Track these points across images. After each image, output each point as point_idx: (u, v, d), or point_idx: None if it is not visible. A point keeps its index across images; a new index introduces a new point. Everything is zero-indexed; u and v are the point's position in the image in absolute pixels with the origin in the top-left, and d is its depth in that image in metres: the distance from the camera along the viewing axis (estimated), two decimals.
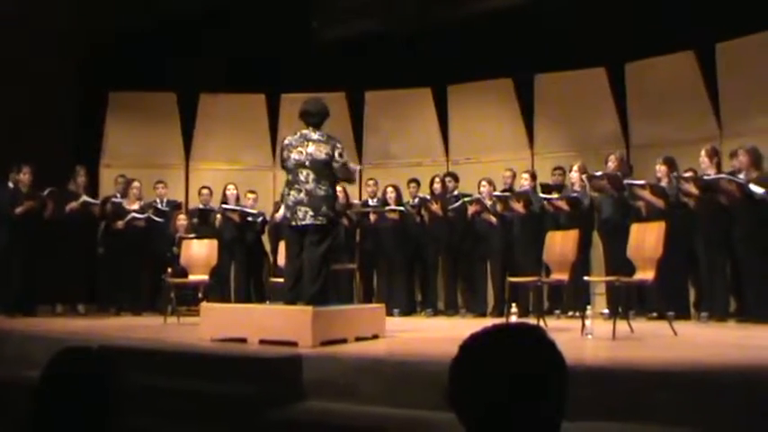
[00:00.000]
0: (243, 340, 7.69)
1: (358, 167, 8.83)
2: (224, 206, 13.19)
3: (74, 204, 12.63)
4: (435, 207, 12.73)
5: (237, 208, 13.24)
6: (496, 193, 12.36)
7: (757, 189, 8.43)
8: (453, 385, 1.90)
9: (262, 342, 7.54)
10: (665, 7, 12.19)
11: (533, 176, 12.54)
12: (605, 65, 13.74)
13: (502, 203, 12.22)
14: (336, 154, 8.14)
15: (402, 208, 13.01)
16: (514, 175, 12.94)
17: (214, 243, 11.96)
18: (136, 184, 13.32)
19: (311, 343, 7.27)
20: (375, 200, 13.45)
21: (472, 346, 1.91)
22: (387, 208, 13.04)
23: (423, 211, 12.97)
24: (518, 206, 12.08)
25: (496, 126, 14.66)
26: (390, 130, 15.29)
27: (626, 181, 11.16)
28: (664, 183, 10.98)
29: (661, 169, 11.07)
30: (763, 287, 10.10)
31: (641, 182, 11.12)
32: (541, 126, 14.42)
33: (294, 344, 7.26)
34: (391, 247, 13.05)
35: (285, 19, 13.44)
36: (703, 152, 10.80)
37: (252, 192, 13.63)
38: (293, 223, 8.15)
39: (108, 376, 2.52)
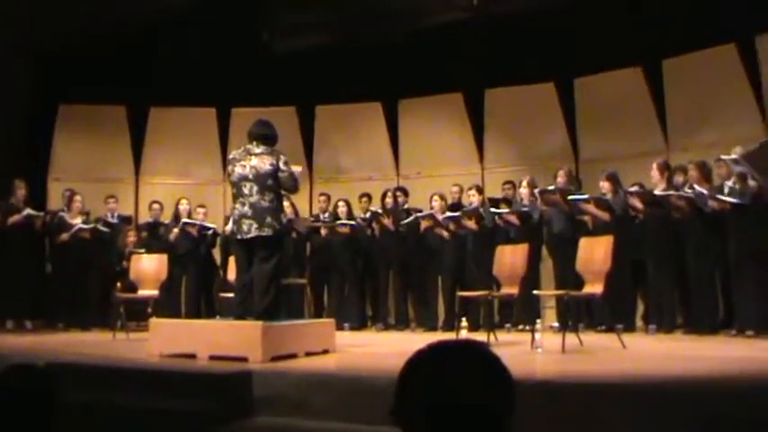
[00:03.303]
0: (192, 356, 7.64)
1: (300, 168, 8.78)
2: (184, 220, 13.10)
3: (17, 217, 12.47)
4: (387, 221, 12.73)
5: (197, 222, 13.17)
6: (449, 213, 12.36)
7: None
8: (398, 402, 1.90)
9: (211, 358, 7.50)
10: (613, 24, 12.32)
11: (480, 191, 12.57)
12: (555, 80, 13.86)
13: (454, 223, 12.23)
14: (281, 164, 8.16)
15: (353, 222, 13.00)
16: (462, 191, 12.99)
17: (164, 258, 11.87)
18: (78, 197, 13.16)
19: (261, 358, 7.24)
20: (326, 214, 13.42)
21: (417, 362, 1.91)
22: (338, 222, 13.02)
23: (374, 226, 12.97)
24: (470, 224, 12.11)
25: (447, 140, 14.71)
26: (341, 145, 15.29)
27: (570, 196, 11.24)
28: (609, 197, 11.05)
29: (605, 185, 11.16)
30: (710, 299, 10.23)
31: (585, 196, 11.21)
32: (491, 140, 14.50)
33: (244, 359, 7.23)
34: (342, 261, 13.03)
35: (236, 32, 13.39)
36: (654, 166, 10.90)
37: (202, 206, 13.55)
38: (239, 236, 8.15)
39: (53, 393, 2.49)
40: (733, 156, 9.16)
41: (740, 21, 11.62)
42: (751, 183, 9.37)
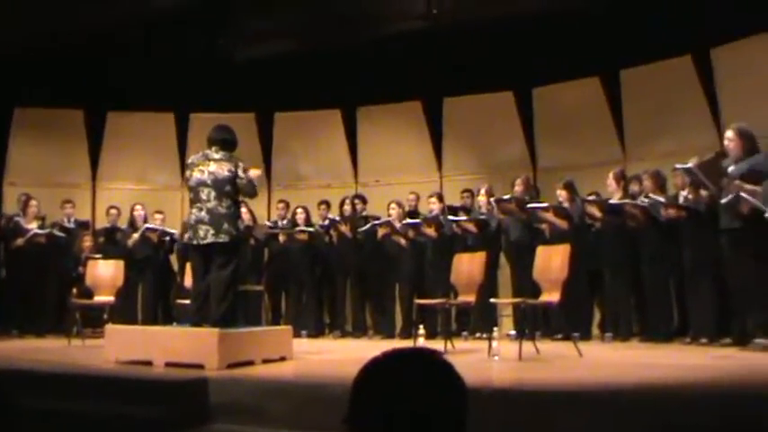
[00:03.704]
0: (148, 363, 7.59)
1: (259, 171, 8.77)
2: (147, 226, 13.02)
3: None
4: (345, 229, 12.72)
5: (158, 228, 13.09)
6: (408, 220, 12.38)
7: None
8: (353, 410, 1.90)
9: (167, 364, 7.45)
10: (571, 34, 12.41)
11: (440, 199, 12.60)
12: (513, 89, 13.94)
13: (413, 230, 12.25)
14: (240, 171, 8.14)
15: (311, 229, 12.98)
16: (418, 198, 13.03)
17: (121, 263, 11.79)
18: (34, 202, 13.03)
19: (217, 365, 7.22)
20: (284, 221, 13.39)
21: (371, 370, 1.92)
22: (296, 229, 13.00)
23: (332, 233, 12.95)
24: (430, 231, 12.13)
25: (405, 148, 14.75)
26: (300, 152, 15.28)
27: (529, 204, 11.29)
28: (566, 206, 11.13)
29: (562, 194, 11.23)
30: (665, 307, 10.33)
31: (544, 204, 11.27)
32: (450, 149, 14.55)
33: (200, 366, 7.20)
34: (300, 268, 13.00)
35: (196, 38, 13.34)
36: (611, 175, 10.98)
37: (159, 212, 13.48)
38: (195, 242, 8.11)
39: (6, 400, 2.47)
40: (687, 165, 9.25)
41: (696, 33, 11.77)
42: (703, 192, 9.46)
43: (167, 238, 13.19)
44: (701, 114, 12.06)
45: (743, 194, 8.45)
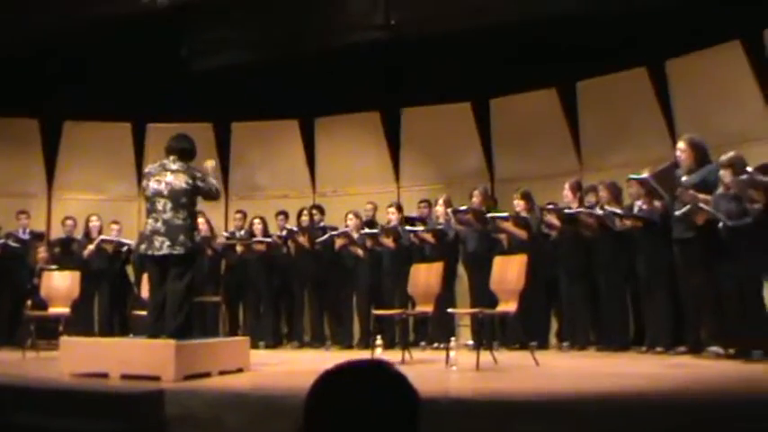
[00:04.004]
0: (104, 375, 7.53)
1: (213, 163, 8.78)
2: (102, 237, 12.92)
3: None
4: (302, 239, 12.70)
5: (114, 239, 12.99)
6: (366, 230, 12.39)
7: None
8: (306, 423, 1.90)
9: (123, 377, 7.40)
10: (529, 46, 12.49)
11: (399, 209, 12.63)
12: (471, 100, 14.00)
13: (371, 239, 12.26)
14: (199, 182, 8.13)
15: (269, 239, 12.94)
16: (376, 208, 13.05)
17: (76, 275, 11.69)
18: None
19: (174, 377, 7.18)
20: (242, 232, 13.34)
21: (324, 384, 1.92)
22: (253, 239, 12.96)
23: (290, 244, 12.92)
24: (388, 241, 12.14)
25: (363, 159, 14.76)
26: (257, 162, 15.24)
27: (489, 214, 11.33)
28: (524, 215, 11.19)
29: (520, 204, 11.29)
30: (621, 316, 10.41)
31: (504, 214, 11.31)
32: (408, 159, 14.58)
33: (156, 378, 7.15)
34: (258, 279, 12.96)
35: (153, 47, 13.26)
36: (567, 186, 11.06)
37: (116, 222, 13.38)
38: (150, 252, 8.07)
39: None
40: (642, 175, 9.35)
41: (650, 46, 11.92)
42: (656, 203, 9.55)
43: (124, 249, 13.10)
44: (657, 126, 12.19)
45: (701, 204, 8.55)
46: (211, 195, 8.39)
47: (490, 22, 12.36)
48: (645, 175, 9.29)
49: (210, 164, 8.60)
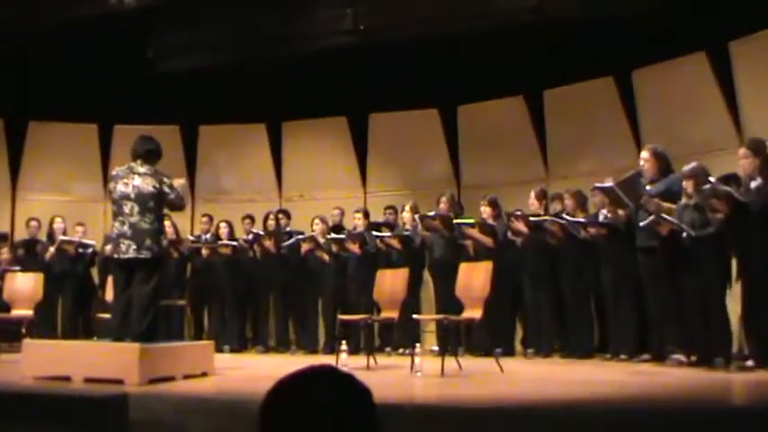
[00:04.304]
0: (67, 378, 7.47)
1: (183, 181, 8.77)
2: (62, 238, 12.81)
3: None
4: (268, 243, 12.67)
5: (75, 240, 12.89)
6: (332, 235, 12.39)
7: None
8: (262, 430, 1.90)
9: (87, 380, 7.34)
10: (496, 53, 12.54)
11: (366, 215, 12.63)
12: (438, 106, 14.04)
13: (337, 245, 12.26)
14: (166, 187, 8.10)
15: (235, 243, 12.90)
16: (343, 213, 13.05)
17: (40, 277, 11.61)
18: None
19: (138, 381, 7.13)
20: (208, 235, 13.29)
21: (278, 392, 1.91)
22: (219, 243, 12.91)
23: (255, 248, 12.88)
24: (354, 247, 12.14)
25: (330, 164, 14.76)
26: (224, 166, 15.19)
27: (456, 220, 11.36)
28: (490, 222, 11.23)
29: (486, 210, 11.33)
30: (585, 323, 10.47)
31: (470, 221, 11.34)
32: (374, 165, 14.59)
33: (120, 382, 7.10)
34: (223, 283, 12.91)
35: (120, 48, 13.19)
36: (533, 194, 11.13)
37: (81, 224, 13.28)
38: (116, 256, 8.04)
39: None
40: (606, 184, 9.41)
41: (618, 56, 12.00)
42: (620, 212, 9.61)
43: (89, 251, 13.01)
44: (622, 135, 12.28)
45: (664, 216, 8.61)
46: (176, 206, 8.39)
47: (459, 29, 12.41)
48: (610, 183, 9.35)
49: (181, 183, 8.58)
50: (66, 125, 14.74)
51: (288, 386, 1.91)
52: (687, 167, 8.72)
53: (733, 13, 10.66)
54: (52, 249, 12.75)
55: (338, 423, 1.85)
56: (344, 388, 1.92)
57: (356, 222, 12.51)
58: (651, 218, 8.71)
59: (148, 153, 8.24)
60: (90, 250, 13.03)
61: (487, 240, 11.06)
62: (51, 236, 13.01)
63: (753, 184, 8.08)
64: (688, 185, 8.58)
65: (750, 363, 8.11)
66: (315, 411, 1.85)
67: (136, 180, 8.05)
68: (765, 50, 10.75)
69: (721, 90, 11.28)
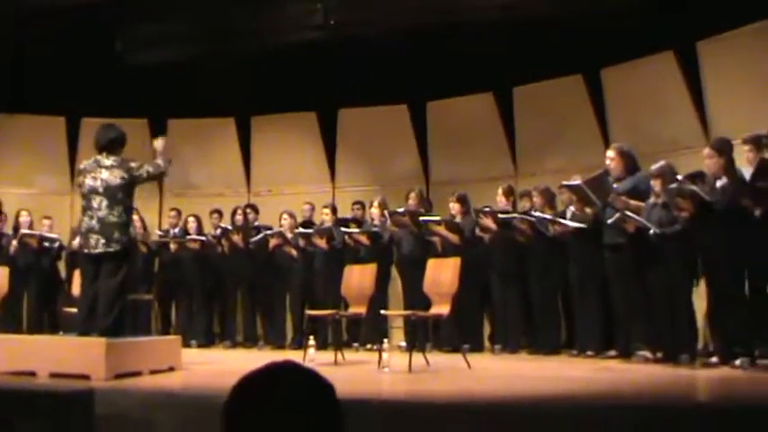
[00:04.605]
0: (32, 373, 7.41)
1: (162, 141, 8.70)
2: (23, 231, 12.71)
3: None
4: (236, 238, 12.63)
5: (36, 233, 12.79)
6: (300, 230, 12.38)
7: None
8: (226, 427, 1.90)
9: (52, 375, 7.28)
10: (466, 50, 12.56)
11: (334, 210, 12.62)
12: (407, 102, 14.04)
13: (304, 239, 12.25)
14: (135, 172, 8.10)
15: (203, 238, 12.86)
16: (313, 209, 13.03)
17: (4, 271, 11.51)
18: None
19: (104, 376, 7.09)
20: (176, 229, 13.24)
21: (242, 388, 1.91)
22: (188, 238, 12.86)
23: (223, 242, 12.84)
24: (321, 242, 12.13)
25: (299, 159, 14.73)
26: (192, 160, 15.09)
27: (421, 217, 11.37)
28: (458, 219, 11.25)
29: (455, 207, 11.36)
30: (552, 320, 10.53)
31: (436, 218, 11.36)
32: (343, 160, 14.58)
33: (87, 377, 7.05)
34: (191, 277, 12.86)
35: (89, 41, 13.09)
36: (500, 190, 11.16)
37: (47, 218, 13.18)
38: (86, 251, 8.00)
39: None
40: (574, 182, 9.47)
41: (587, 54, 12.07)
42: (588, 210, 9.67)
43: (55, 245, 12.92)
44: (591, 133, 12.35)
45: (629, 213, 8.68)
46: (156, 176, 8.45)
47: (429, 25, 12.43)
48: (577, 181, 9.41)
49: (160, 143, 8.54)
50: (33, 117, 14.60)
51: (251, 382, 1.91)
52: (655, 166, 8.79)
53: (700, 14, 10.76)
54: (14, 242, 12.65)
55: (301, 419, 1.85)
56: (307, 384, 1.92)
57: (324, 218, 12.50)
58: (617, 215, 8.78)
59: (111, 143, 8.21)
60: (56, 244, 12.94)
61: (453, 237, 11.08)
62: (17, 229, 12.90)
63: (718, 184, 8.15)
64: (656, 184, 8.65)
65: (714, 359, 8.20)
66: (278, 407, 1.85)
67: (103, 173, 8.01)
68: (732, 51, 10.84)
69: (688, 89, 11.36)
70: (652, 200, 8.70)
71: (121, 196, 8.03)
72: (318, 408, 1.89)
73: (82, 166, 8.32)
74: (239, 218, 13.02)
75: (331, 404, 1.92)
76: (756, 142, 7.99)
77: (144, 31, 13.47)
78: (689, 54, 11.32)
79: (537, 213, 10.50)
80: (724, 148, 8.25)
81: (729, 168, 8.13)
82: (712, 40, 11.06)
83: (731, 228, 7.96)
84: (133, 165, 8.14)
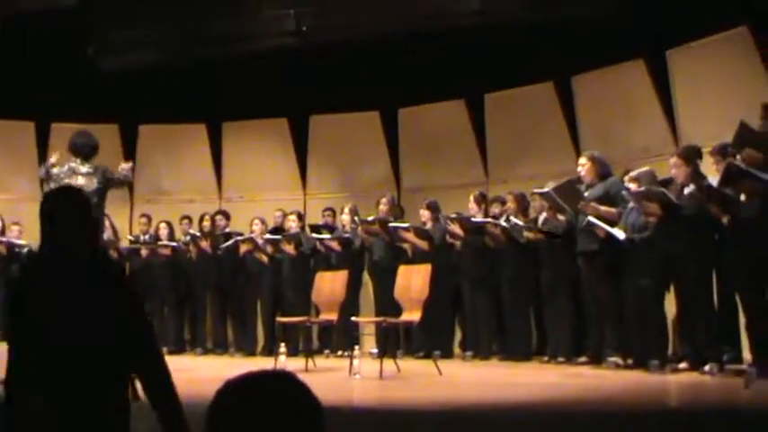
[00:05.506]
0: (2, 382, 7.33)
1: (129, 165, 8.79)
2: None
3: None
4: (205, 244, 12.59)
5: (4, 239, 12.69)
6: (268, 236, 12.36)
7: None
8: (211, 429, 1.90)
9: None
10: (438, 57, 12.59)
11: (300, 217, 12.61)
12: (379, 109, 14.04)
13: (273, 246, 12.23)
14: (108, 174, 8.12)
15: (174, 244, 12.81)
16: (284, 215, 13.00)
17: None
18: None
19: None
20: (147, 236, 13.18)
21: (226, 394, 1.91)
22: (158, 243, 12.82)
23: (191, 248, 12.79)
24: (289, 248, 12.12)
25: (270, 165, 14.68)
26: (163, 166, 15.02)
27: (390, 224, 11.38)
28: (429, 226, 11.27)
29: (425, 214, 11.38)
30: (523, 326, 10.55)
31: (405, 225, 11.38)
32: (315, 167, 14.55)
33: None
34: (162, 284, 12.81)
35: (60, 45, 13.00)
36: (472, 198, 11.17)
37: (16, 224, 13.07)
38: None
39: None
40: (544, 190, 9.52)
41: (558, 61, 12.12)
42: (560, 217, 9.72)
43: (25, 251, 12.81)
44: (562, 140, 12.39)
45: (593, 220, 8.74)
46: (123, 183, 8.52)
47: (401, 32, 12.44)
48: (547, 189, 9.46)
49: (126, 167, 8.57)
50: (2, 122, 14.48)
51: (238, 388, 1.91)
52: (635, 171, 8.88)
53: (670, 23, 10.84)
54: None
55: (284, 430, 1.85)
56: (300, 398, 1.92)
57: (291, 224, 12.47)
58: (585, 221, 8.84)
59: (90, 148, 8.21)
60: (26, 249, 12.84)
61: (422, 243, 11.09)
62: None
63: (686, 191, 8.21)
64: (633, 188, 8.70)
65: (684, 365, 8.24)
66: (264, 416, 1.85)
67: (80, 180, 8.01)
68: (701, 59, 10.93)
69: (658, 97, 11.43)
70: (630, 205, 8.75)
71: (96, 201, 8.02)
72: (303, 421, 1.89)
73: (55, 172, 8.27)
74: (206, 224, 12.98)
75: (316, 417, 1.92)
76: (722, 152, 8.05)
77: (116, 37, 13.38)
78: (659, 62, 11.39)
79: (512, 219, 10.51)
80: (691, 156, 8.32)
81: (696, 176, 8.19)
82: (682, 49, 11.14)
83: (699, 234, 8.02)
84: (107, 170, 8.16)
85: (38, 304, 3.09)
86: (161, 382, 3.26)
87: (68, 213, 3.25)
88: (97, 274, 3.17)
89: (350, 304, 10.71)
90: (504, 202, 10.97)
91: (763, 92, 9.44)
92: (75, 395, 2.91)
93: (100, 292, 3.11)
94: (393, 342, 10.56)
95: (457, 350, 11.35)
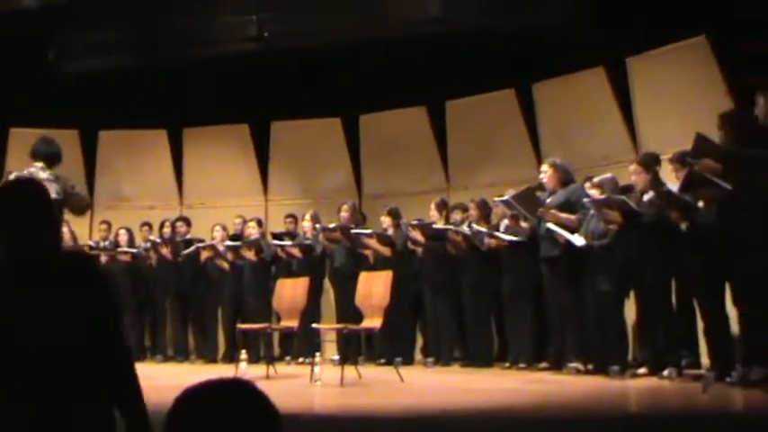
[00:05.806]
0: None
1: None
2: None
3: None
4: (166, 251, 12.53)
5: None
6: (228, 242, 12.32)
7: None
8: None
9: None
10: (399, 63, 12.61)
11: (260, 224, 12.57)
12: (340, 115, 14.03)
13: (233, 252, 12.20)
14: (69, 189, 8.01)
15: (134, 250, 12.74)
16: (245, 222, 12.95)
17: None
18: None
19: None
20: (107, 242, 13.09)
21: (184, 403, 1.90)
22: (118, 250, 12.73)
23: (151, 255, 12.72)
24: (249, 254, 12.08)
25: (232, 171, 14.62)
26: (124, 172, 14.90)
27: (353, 230, 11.39)
28: (390, 232, 11.29)
29: (386, 220, 11.40)
30: (485, 332, 10.58)
31: (368, 231, 11.39)
32: (276, 173, 14.50)
33: None
34: (122, 290, 12.71)
35: (20, 48, 12.88)
36: (433, 205, 11.20)
37: None
38: None
39: None
40: (504, 198, 9.57)
41: (519, 69, 12.18)
42: (523, 224, 9.77)
43: None
44: (523, 147, 12.43)
45: (552, 227, 8.81)
46: (81, 208, 8.34)
47: (362, 38, 12.45)
48: (506, 197, 9.51)
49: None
50: None
51: (195, 397, 1.90)
52: (597, 178, 8.95)
53: (630, 30, 10.93)
54: None
55: None
56: (257, 407, 1.91)
57: (251, 231, 12.42)
58: (544, 228, 8.91)
59: (54, 156, 8.12)
60: None
61: (385, 250, 11.11)
62: None
63: (645, 198, 8.27)
64: (595, 195, 8.76)
65: (643, 370, 8.31)
66: (221, 424, 1.84)
67: None
68: (661, 67, 11.00)
69: (618, 104, 11.50)
70: (592, 211, 8.80)
71: (55, 210, 7.93)
72: (261, 427, 1.88)
73: (13, 178, 8.19)
74: (167, 231, 12.92)
75: (274, 426, 1.91)
76: (681, 160, 8.11)
77: (77, 40, 13.28)
78: (619, 70, 11.46)
79: (474, 226, 10.54)
80: (650, 163, 8.41)
81: (656, 183, 8.26)
82: (641, 57, 11.21)
83: (658, 240, 8.09)
84: (68, 183, 8.07)
85: None
86: (131, 386, 3.16)
87: (29, 208, 3.09)
88: (63, 273, 3.05)
89: (311, 311, 10.70)
90: (466, 209, 11.00)
91: (721, 100, 9.55)
92: (42, 396, 2.85)
93: (67, 292, 3.00)
94: (354, 349, 10.57)
95: (418, 357, 11.36)
